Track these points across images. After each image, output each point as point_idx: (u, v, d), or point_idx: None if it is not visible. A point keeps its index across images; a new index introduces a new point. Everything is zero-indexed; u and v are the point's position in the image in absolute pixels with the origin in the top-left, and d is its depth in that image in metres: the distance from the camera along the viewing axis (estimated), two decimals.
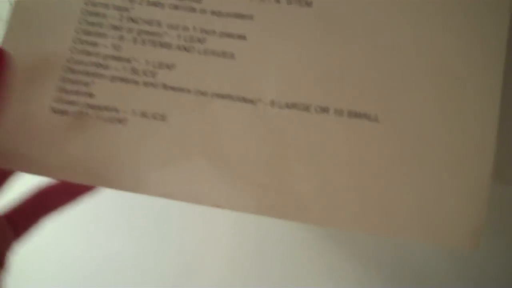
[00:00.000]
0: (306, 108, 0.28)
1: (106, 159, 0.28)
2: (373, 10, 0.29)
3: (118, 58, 0.30)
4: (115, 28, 0.31)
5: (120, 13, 0.31)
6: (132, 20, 0.30)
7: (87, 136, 0.28)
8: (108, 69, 0.30)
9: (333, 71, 0.28)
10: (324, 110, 0.27)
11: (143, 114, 0.28)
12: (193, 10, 0.30)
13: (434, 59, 0.27)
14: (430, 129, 0.27)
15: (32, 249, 0.36)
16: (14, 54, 0.29)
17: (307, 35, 0.29)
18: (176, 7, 0.30)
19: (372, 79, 0.28)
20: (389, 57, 0.28)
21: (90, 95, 0.30)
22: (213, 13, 0.30)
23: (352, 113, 0.27)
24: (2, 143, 0.29)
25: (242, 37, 0.29)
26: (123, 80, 0.30)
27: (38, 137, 0.29)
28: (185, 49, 0.30)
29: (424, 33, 0.28)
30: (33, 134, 0.29)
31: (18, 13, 0.31)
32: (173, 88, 0.29)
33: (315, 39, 0.29)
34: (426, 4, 0.28)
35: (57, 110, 0.30)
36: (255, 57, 0.29)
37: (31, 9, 0.31)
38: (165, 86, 0.29)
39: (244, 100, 0.28)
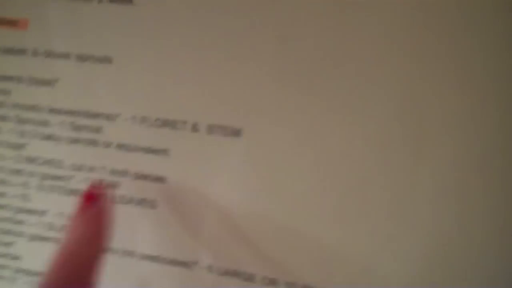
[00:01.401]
0: (250, 278, 0.22)
1: None
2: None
3: (29, 212, 0.25)
4: (16, 172, 0.25)
5: (16, 152, 0.25)
6: (30, 160, 0.25)
7: None
8: (24, 225, 0.26)
9: (276, 229, 0.22)
10: (272, 282, 0.22)
11: None
12: (94, 143, 0.23)
13: None
14: None
15: None
16: None
17: (236, 175, 0.22)
18: (75, 141, 0.24)
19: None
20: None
21: (16, 257, 0.26)
22: (120, 147, 0.23)
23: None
24: None
25: (160, 179, 0.23)
26: (43, 239, 0.26)
27: None
28: None
29: None
30: None
31: None
32: None
33: (246, 181, 0.22)
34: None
35: None
36: (180, 208, 0.23)
37: None
38: None
39: (177, 263, 0.23)
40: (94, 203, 0.21)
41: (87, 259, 0.19)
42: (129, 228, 0.24)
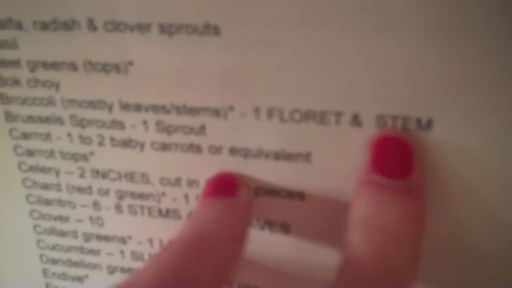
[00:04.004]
0: None
1: None
2: None
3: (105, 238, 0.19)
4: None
5: (78, 165, 0.18)
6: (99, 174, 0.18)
7: None
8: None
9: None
10: None
11: None
12: (195, 149, 0.16)
13: None
14: None
15: None
16: None
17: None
18: (164, 147, 0.17)
19: None
20: None
21: None
22: (235, 153, 0.16)
23: None
24: None
25: (297, 195, 0.16)
26: (127, 271, 0.19)
27: None
28: None
29: None
30: None
31: None
32: None
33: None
34: None
35: None
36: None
37: None
38: None
39: None
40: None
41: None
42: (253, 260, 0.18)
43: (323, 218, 0.16)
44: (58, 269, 0.20)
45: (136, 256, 0.19)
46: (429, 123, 0.14)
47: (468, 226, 0.15)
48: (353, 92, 0.14)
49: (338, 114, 0.15)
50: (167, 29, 0.15)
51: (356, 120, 0.15)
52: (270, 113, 0.15)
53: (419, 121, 0.14)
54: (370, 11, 0.13)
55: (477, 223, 0.15)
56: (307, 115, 0.15)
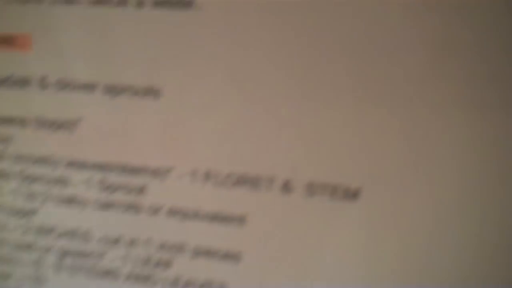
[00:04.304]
0: None
1: None
2: None
3: None
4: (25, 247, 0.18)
5: (24, 220, 0.18)
6: (44, 231, 0.18)
7: None
8: None
9: None
10: None
11: None
12: (135, 209, 0.17)
13: None
14: None
15: None
16: None
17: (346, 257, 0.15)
18: (106, 206, 0.17)
19: None
20: None
21: None
22: (173, 214, 0.16)
23: None
24: None
25: (233, 256, 0.16)
26: None
27: None
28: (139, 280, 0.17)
29: None
30: None
31: None
32: None
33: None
34: None
35: None
36: None
37: None
38: None
39: None
40: None
41: None
42: None
43: (259, 279, 0.16)
44: None
45: None
46: (358, 192, 0.14)
47: None
48: (286, 158, 0.15)
49: (271, 179, 0.15)
50: (111, 90, 0.15)
51: (287, 186, 0.15)
52: (208, 175, 0.15)
53: (347, 189, 0.14)
54: (309, 79, 0.14)
55: None
56: (242, 179, 0.15)
